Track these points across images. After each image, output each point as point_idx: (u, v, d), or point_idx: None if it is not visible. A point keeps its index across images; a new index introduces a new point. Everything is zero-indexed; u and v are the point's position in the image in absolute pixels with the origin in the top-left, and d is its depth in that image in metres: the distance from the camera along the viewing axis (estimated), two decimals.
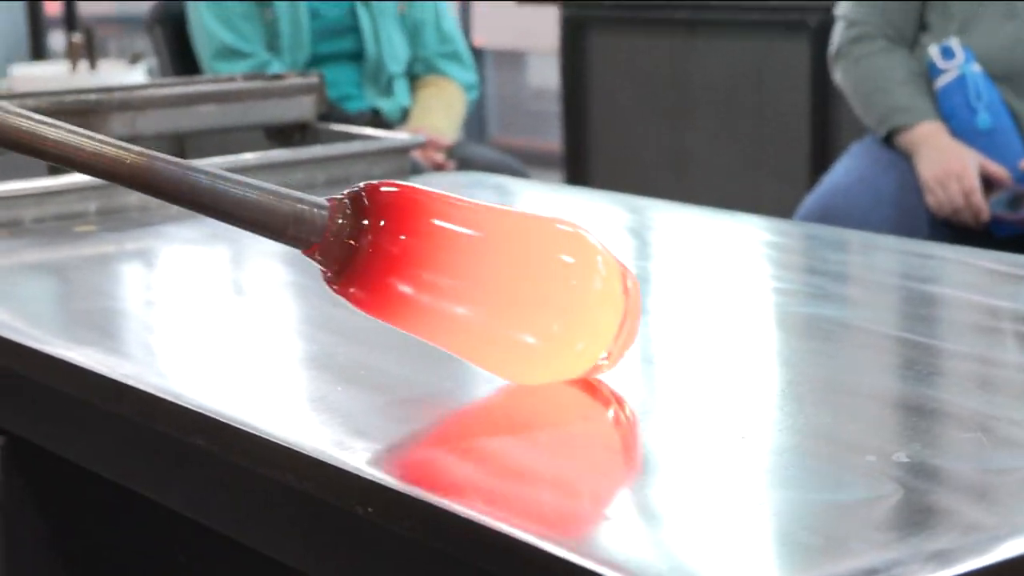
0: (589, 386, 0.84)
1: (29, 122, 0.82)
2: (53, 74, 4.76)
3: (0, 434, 1.05)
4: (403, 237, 0.75)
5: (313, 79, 1.72)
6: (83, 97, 1.55)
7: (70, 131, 0.83)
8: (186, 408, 0.84)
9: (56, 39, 6.36)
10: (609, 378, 0.85)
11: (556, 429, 0.81)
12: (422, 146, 1.65)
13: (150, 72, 4.91)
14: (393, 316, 0.78)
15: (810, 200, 2.24)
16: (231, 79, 1.73)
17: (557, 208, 1.52)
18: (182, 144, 1.85)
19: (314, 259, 0.78)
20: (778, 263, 1.26)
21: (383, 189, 0.76)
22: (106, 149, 0.81)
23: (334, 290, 0.78)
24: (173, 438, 0.86)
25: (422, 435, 0.82)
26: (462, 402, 0.87)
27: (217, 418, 0.82)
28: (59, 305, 1.16)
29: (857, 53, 2.31)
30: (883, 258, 1.28)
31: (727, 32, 3.29)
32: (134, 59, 4.82)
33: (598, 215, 1.46)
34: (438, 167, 2.72)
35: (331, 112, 2.63)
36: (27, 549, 1.07)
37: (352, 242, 0.75)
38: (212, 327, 1.07)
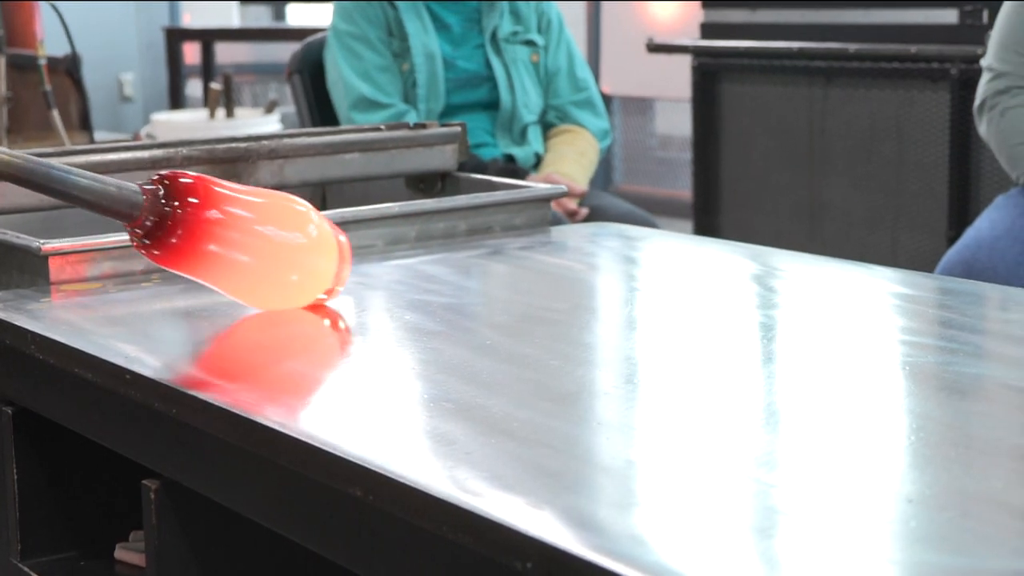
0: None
1: None
2: (192, 121, 4.89)
3: (154, 477, 1.08)
4: (200, 213, 1.14)
5: (456, 129, 1.74)
6: (233, 146, 1.59)
7: None
8: (341, 458, 0.85)
9: (194, 87, 6.54)
10: (736, 431, 0.84)
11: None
12: (564, 195, 1.66)
13: (284, 120, 5.02)
14: (191, 269, 1.17)
15: (952, 253, 2.20)
16: (375, 129, 1.75)
17: (690, 259, 1.52)
18: (324, 192, 1.89)
19: (130, 230, 1.15)
20: (911, 315, 1.24)
21: (182, 180, 1.15)
22: None
23: (145, 253, 1.16)
24: (325, 485, 0.87)
25: (567, 487, 0.82)
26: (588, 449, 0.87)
27: (373, 469, 0.82)
28: (203, 349, 1.18)
29: (1004, 105, 2.27)
30: (1021, 312, 1.25)
31: (865, 82, 3.26)
32: (270, 107, 4.94)
33: (728, 265, 1.45)
34: (571, 214, 2.73)
35: (465, 159, 2.67)
36: None
37: (163, 217, 1.14)
38: (346, 371, 1.09)
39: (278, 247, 1.19)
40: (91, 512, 1.29)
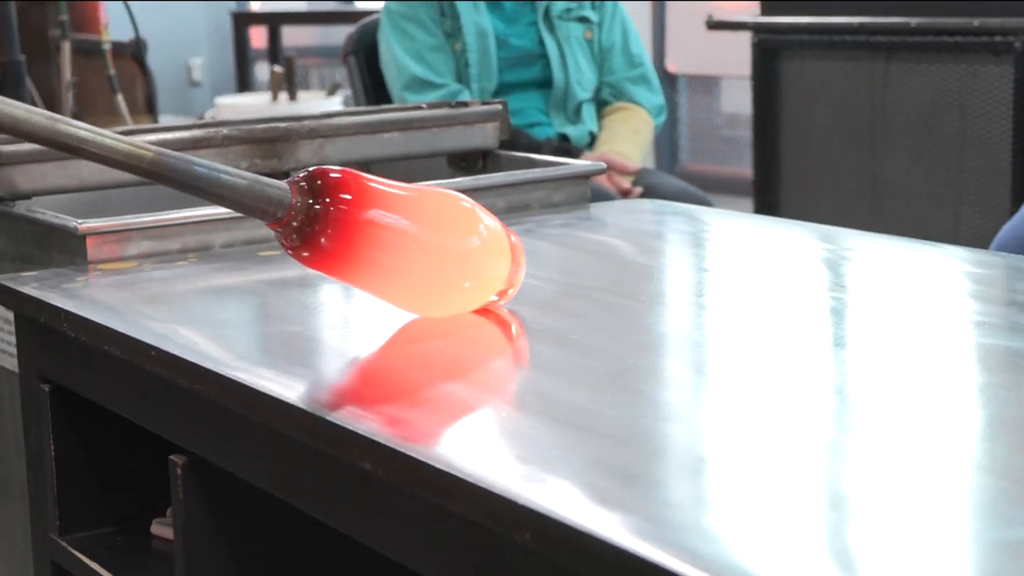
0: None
1: (50, 121, 1.01)
2: (255, 104, 4.93)
3: (183, 453, 1.09)
4: (356, 212, 1.02)
5: (496, 107, 1.74)
6: (273, 126, 1.60)
7: (91, 130, 1.01)
8: (364, 437, 0.85)
9: (262, 70, 6.59)
10: (809, 414, 0.83)
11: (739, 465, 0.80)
12: (603, 172, 1.65)
13: (346, 101, 5.04)
14: (343, 273, 1.05)
15: (1007, 229, 2.16)
16: (417, 107, 1.76)
17: (744, 233, 1.50)
18: (368, 170, 1.89)
19: (276, 230, 1.03)
20: (978, 296, 1.22)
21: (331, 175, 1.03)
22: (123, 146, 1.02)
23: (292, 254, 1.04)
24: (354, 466, 0.88)
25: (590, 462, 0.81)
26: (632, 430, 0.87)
27: (403, 451, 0.81)
28: (245, 329, 1.19)
29: None
30: None
31: (927, 56, 3.21)
32: (332, 89, 4.96)
33: (790, 244, 1.43)
34: (624, 193, 2.72)
35: (518, 138, 2.66)
36: (206, 569, 1.10)
37: (312, 216, 1.02)
38: (394, 354, 1.09)
39: (446, 251, 1.07)
40: (128, 488, 1.30)
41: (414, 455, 0.82)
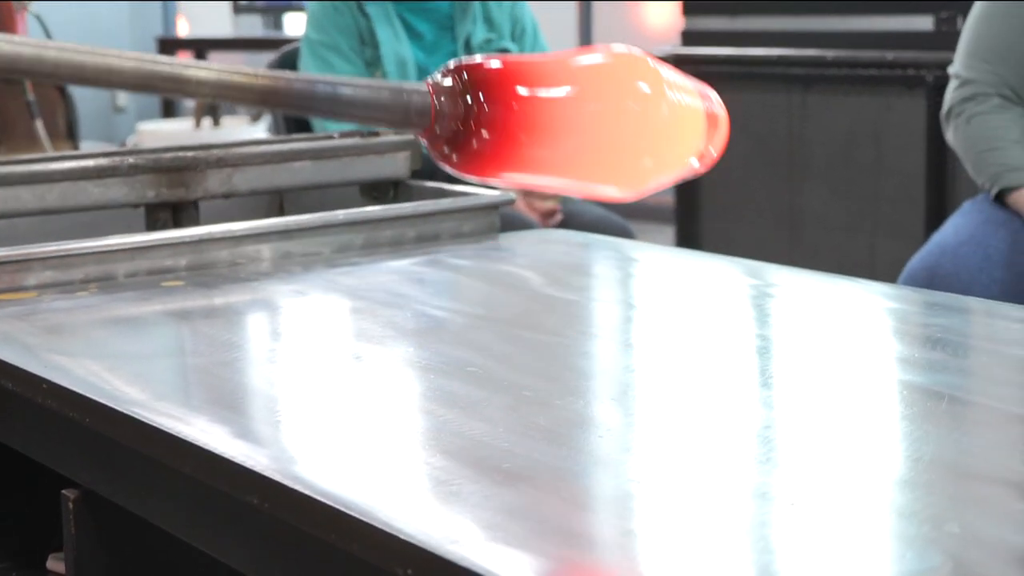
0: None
1: (170, 66, 0.90)
2: (178, 130, 4.90)
3: (75, 488, 1.07)
4: (504, 105, 0.87)
5: (408, 136, 1.73)
6: (180, 155, 1.58)
7: (207, 68, 0.90)
8: (253, 472, 0.84)
9: None
10: (725, 455, 0.83)
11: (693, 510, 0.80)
12: (512, 203, 1.65)
13: (270, 127, 5.02)
14: (507, 169, 0.89)
15: (916, 259, 2.19)
16: (328, 136, 1.75)
17: (674, 271, 1.49)
18: (281, 199, 1.88)
19: (424, 137, 0.89)
20: (897, 332, 1.23)
21: (477, 68, 0.88)
22: (236, 78, 0.90)
23: (451, 163, 0.90)
24: (243, 501, 0.86)
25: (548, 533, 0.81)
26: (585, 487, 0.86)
27: (340, 508, 0.78)
28: (143, 362, 1.17)
29: (970, 112, 2.26)
30: (1000, 326, 1.23)
31: (843, 89, 3.25)
32: (256, 117, 4.94)
33: (716, 279, 1.43)
34: (546, 215, 2.71)
35: (437, 168, 2.66)
36: None
37: (460, 117, 0.87)
38: (291, 388, 1.08)
39: (620, 130, 0.91)
40: (23, 523, 1.28)
41: (305, 492, 0.81)
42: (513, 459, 0.86)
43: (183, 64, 0.91)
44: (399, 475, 0.86)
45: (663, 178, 0.95)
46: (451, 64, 0.89)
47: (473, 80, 0.88)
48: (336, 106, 0.90)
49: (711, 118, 0.97)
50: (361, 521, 0.75)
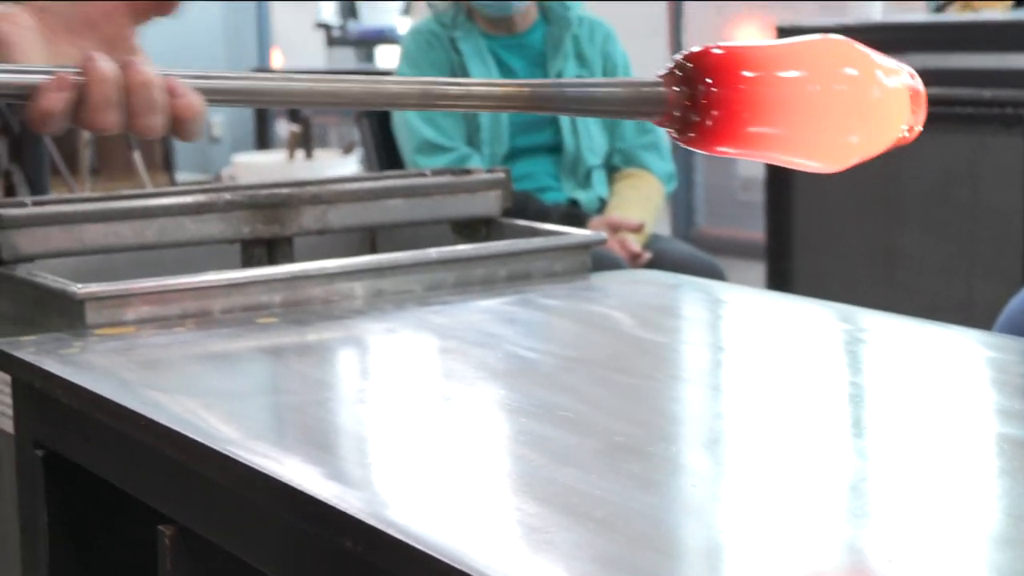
0: None
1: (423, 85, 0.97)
2: (272, 162, 4.96)
3: (171, 523, 1.08)
4: (731, 87, 0.97)
5: (499, 175, 1.74)
6: (275, 191, 1.61)
7: (463, 83, 0.99)
8: (348, 516, 0.84)
9: (281, 127, 6.62)
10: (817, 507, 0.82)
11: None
12: (603, 243, 1.65)
13: (362, 160, 5.07)
14: (734, 145, 0.98)
15: (1016, 301, 2.15)
16: (420, 174, 1.76)
17: (764, 314, 1.48)
18: (374, 236, 1.90)
19: (665, 125, 0.99)
20: (995, 382, 1.20)
21: (708, 55, 0.98)
22: (498, 90, 0.99)
23: (690, 143, 0.98)
24: (337, 544, 0.87)
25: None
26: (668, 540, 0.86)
27: (434, 554, 0.79)
28: (239, 400, 1.18)
29: None
30: None
31: (940, 126, 3.21)
32: (348, 148, 4.99)
33: (807, 323, 1.42)
34: (634, 256, 2.71)
35: (528, 203, 2.67)
36: None
37: (696, 104, 0.96)
38: (386, 429, 1.09)
39: (834, 109, 1.00)
40: (117, 554, 1.30)
41: (399, 536, 0.81)
42: (606, 507, 0.86)
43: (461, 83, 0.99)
44: (492, 521, 0.86)
45: (873, 152, 1.04)
46: (681, 54, 0.99)
47: (703, 67, 0.97)
48: (584, 105, 1.02)
49: (914, 95, 1.04)
50: (455, 568, 0.75)
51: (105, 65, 0.93)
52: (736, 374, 1.25)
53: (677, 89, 0.98)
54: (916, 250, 3.27)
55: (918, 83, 1.04)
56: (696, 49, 0.99)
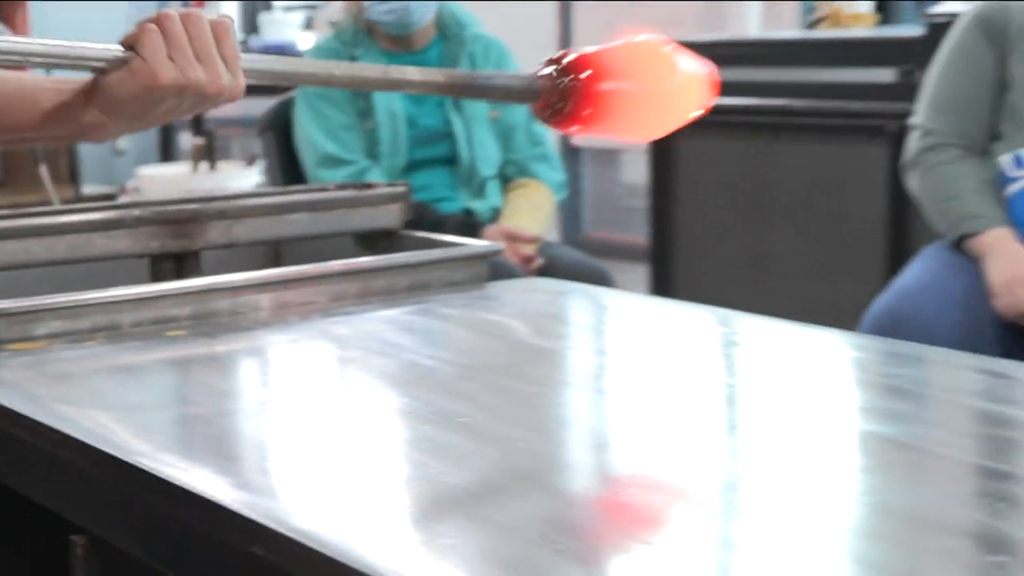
0: None
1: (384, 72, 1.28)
2: (176, 174, 4.89)
3: (81, 534, 1.06)
4: (595, 83, 1.23)
5: (400, 188, 1.73)
6: (183, 207, 1.58)
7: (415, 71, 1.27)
8: (311, 548, 0.83)
9: (185, 139, 6.51)
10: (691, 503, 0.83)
11: None
12: (500, 252, 1.66)
13: (264, 171, 5.02)
14: (596, 126, 1.25)
15: (879, 302, 2.20)
16: (323, 188, 1.75)
17: (646, 319, 1.49)
18: (278, 248, 1.88)
19: (537, 108, 1.26)
20: (861, 381, 1.23)
21: (570, 60, 1.24)
22: (419, 78, 1.27)
23: (555, 123, 1.26)
24: (247, 551, 0.86)
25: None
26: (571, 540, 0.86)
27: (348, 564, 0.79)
28: (149, 412, 1.17)
29: (931, 161, 2.28)
30: (960, 376, 1.23)
31: (808, 137, 3.27)
32: (251, 161, 4.93)
33: (686, 327, 1.43)
34: (526, 260, 2.72)
35: (425, 213, 2.66)
36: None
37: (565, 92, 1.24)
38: (287, 436, 1.08)
39: (656, 93, 1.25)
40: (28, 565, 1.27)
41: (304, 542, 0.81)
42: (503, 510, 0.86)
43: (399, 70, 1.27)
44: (394, 525, 0.86)
45: (677, 125, 1.28)
46: (554, 57, 1.25)
47: (567, 67, 1.24)
48: (483, 93, 1.34)
49: (707, 82, 1.27)
50: (360, 572, 0.75)
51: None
52: (620, 378, 1.26)
53: (551, 85, 1.24)
54: (786, 253, 3.32)
55: (711, 73, 1.28)
56: (564, 53, 1.25)
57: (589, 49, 1.24)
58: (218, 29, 1.17)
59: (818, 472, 0.95)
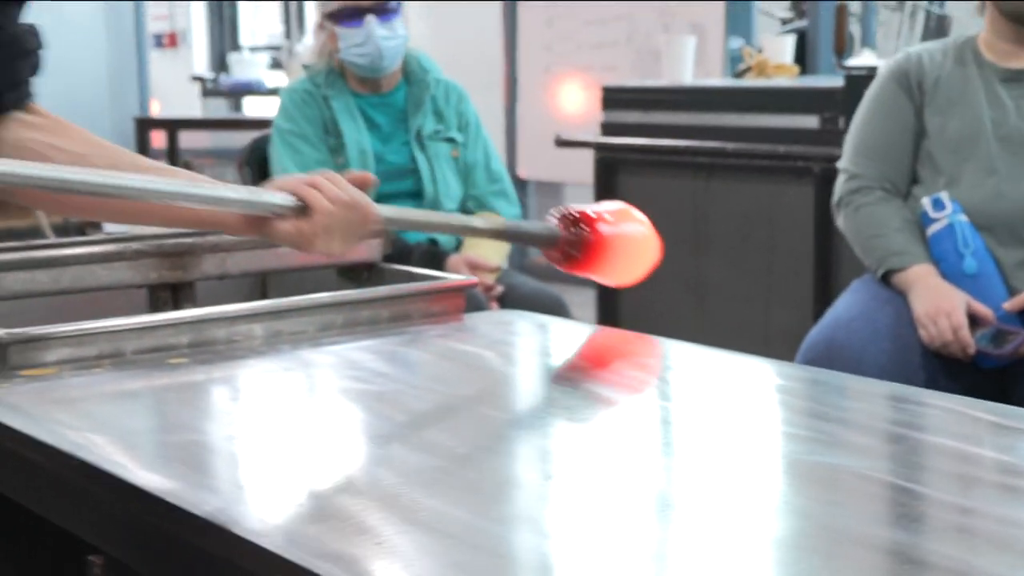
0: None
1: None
2: None
3: (98, 553, 1.03)
4: (599, 234, 1.40)
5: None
6: (179, 241, 1.56)
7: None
8: (264, 548, 0.82)
9: None
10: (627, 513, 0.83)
11: None
12: (475, 286, 1.64)
13: None
14: (602, 271, 1.43)
15: (814, 332, 2.21)
16: None
17: (591, 346, 1.50)
18: (264, 281, 1.86)
19: (550, 255, 1.42)
20: (787, 407, 1.24)
21: (575, 214, 1.41)
22: (458, 223, 1.61)
23: (566, 269, 1.42)
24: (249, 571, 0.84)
25: None
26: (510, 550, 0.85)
27: (293, 561, 0.79)
28: (152, 436, 1.14)
29: (857, 202, 2.30)
30: (881, 405, 1.25)
31: (741, 176, 3.29)
32: None
33: (627, 354, 1.44)
34: (487, 289, 2.70)
35: (393, 243, 2.64)
36: None
37: (578, 241, 1.40)
38: (285, 457, 1.06)
39: (639, 243, 1.45)
40: None
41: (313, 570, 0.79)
42: (449, 520, 0.85)
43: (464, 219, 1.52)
44: (351, 531, 0.84)
45: (643, 275, 1.47)
46: (564, 212, 1.40)
47: (573, 221, 1.40)
48: (516, 238, 1.49)
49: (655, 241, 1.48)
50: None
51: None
52: (564, 401, 1.26)
53: (568, 234, 1.40)
54: (722, 282, 3.34)
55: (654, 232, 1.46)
56: (574, 210, 1.40)
57: (587, 208, 1.41)
58: (369, 217, 1.26)
59: (744, 488, 0.96)
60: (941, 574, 0.78)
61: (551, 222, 1.40)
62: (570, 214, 1.39)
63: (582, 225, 1.38)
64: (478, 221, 1.42)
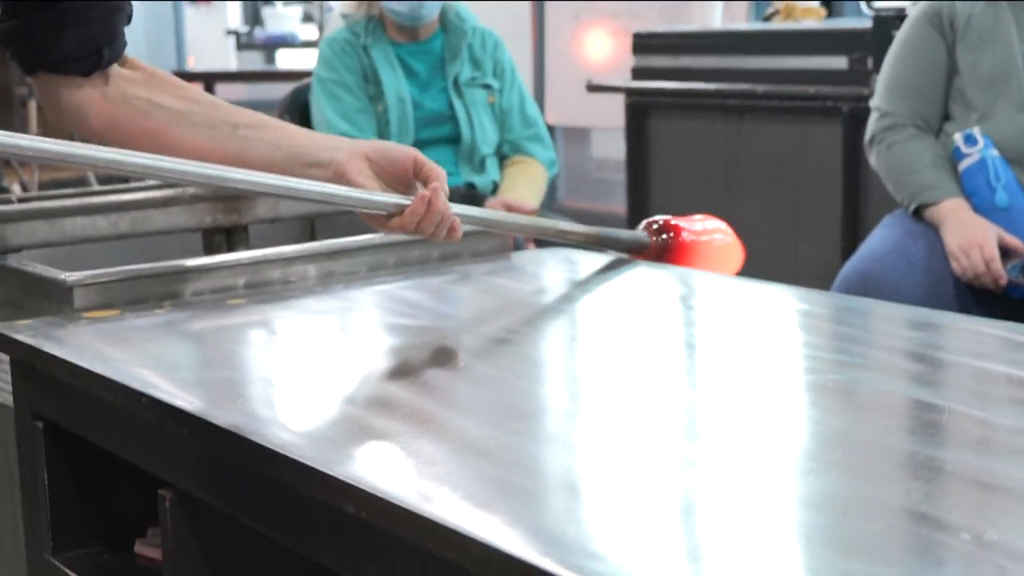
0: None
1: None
2: None
3: (167, 487, 1.03)
4: (679, 239, 1.50)
5: None
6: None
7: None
8: (337, 479, 0.81)
9: None
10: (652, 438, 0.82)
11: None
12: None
13: None
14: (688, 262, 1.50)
15: (849, 266, 2.18)
16: None
17: (625, 279, 1.48)
18: (313, 224, 1.84)
19: (639, 256, 1.49)
20: (811, 330, 1.23)
21: (660, 222, 1.52)
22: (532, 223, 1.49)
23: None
24: (320, 501, 0.84)
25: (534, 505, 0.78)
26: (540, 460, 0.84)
27: (370, 491, 0.78)
28: (215, 372, 1.14)
29: (890, 139, 2.26)
30: (901, 327, 1.23)
31: (771, 117, 3.24)
32: None
33: (654, 286, 1.42)
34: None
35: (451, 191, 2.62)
36: None
37: (664, 248, 1.50)
38: (339, 388, 1.05)
39: (722, 250, 1.53)
40: (113, 512, 1.24)
41: (394, 501, 0.78)
42: (486, 441, 0.84)
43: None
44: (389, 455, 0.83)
45: (732, 270, 1.54)
46: (652, 221, 1.50)
47: (660, 228, 1.50)
48: (608, 244, 1.49)
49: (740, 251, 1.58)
50: (450, 528, 0.72)
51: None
52: (590, 330, 1.25)
53: (654, 239, 1.49)
54: (753, 220, 3.30)
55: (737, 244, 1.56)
56: (661, 219, 1.50)
57: (672, 219, 1.50)
58: (453, 234, 1.24)
59: (770, 406, 0.96)
60: (959, 481, 0.79)
61: (639, 231, 1.49)
62: (656, 223, 1.48)
63: (668, 233, 1.47)
64: (568, 225, 1.46)
